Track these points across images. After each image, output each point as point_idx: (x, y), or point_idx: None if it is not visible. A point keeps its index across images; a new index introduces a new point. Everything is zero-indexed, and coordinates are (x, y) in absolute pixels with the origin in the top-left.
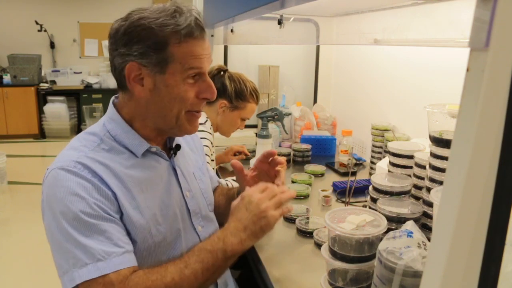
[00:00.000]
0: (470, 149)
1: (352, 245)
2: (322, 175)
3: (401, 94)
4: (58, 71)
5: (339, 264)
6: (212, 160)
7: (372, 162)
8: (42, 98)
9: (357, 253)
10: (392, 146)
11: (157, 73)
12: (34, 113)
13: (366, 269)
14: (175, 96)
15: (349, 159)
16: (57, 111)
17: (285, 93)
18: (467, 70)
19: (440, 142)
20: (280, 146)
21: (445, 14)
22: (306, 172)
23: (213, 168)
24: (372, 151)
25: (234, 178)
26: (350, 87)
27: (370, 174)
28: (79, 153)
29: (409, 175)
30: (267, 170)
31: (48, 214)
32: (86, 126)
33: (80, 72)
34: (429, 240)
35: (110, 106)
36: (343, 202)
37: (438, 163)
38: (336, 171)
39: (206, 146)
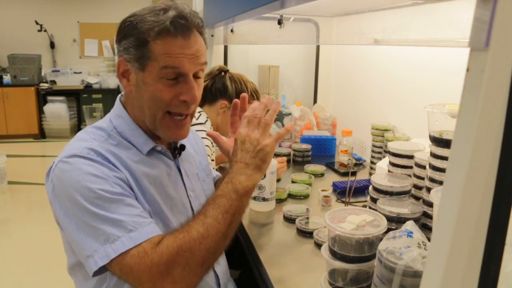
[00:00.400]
0: (470, 149)
1: (352, 245)
2: (322, 175)
3: (401, 94)
4: (58, 71)
5: (339, 264)
6: (212, 160)
7: (372, 162)
8: (42, 98)
9: (357, 253)
10: (392, 146)
11: (138, 69)
12: (34, 113)
13: (366, 269)
14: (151, 95)
15: (349, 159)
16: (57, 111)
17: (285, 93)
18: (467, 70)
19: (440, 142)
20: (280, 146)
21: (445, 14)
22: (306, 172)
23: (213, 168)
24: (372, 151)
25: None
26: (350, 87)
27: (370, 174)
28: (90, 142)
29: (409, 175)
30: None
31: (64, 201)
32: (86, 126)
33: (80, 72)
34: (429, 240)
35: (117, 103)
36: (343, 202)
37: (438, 163)
38: (336, 171)
39: (207, 146)
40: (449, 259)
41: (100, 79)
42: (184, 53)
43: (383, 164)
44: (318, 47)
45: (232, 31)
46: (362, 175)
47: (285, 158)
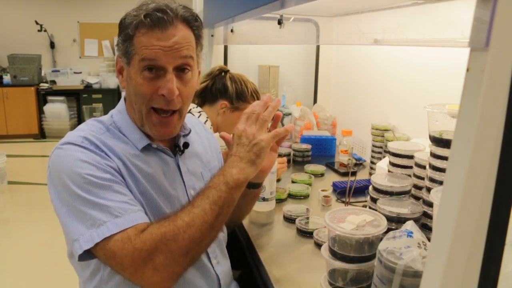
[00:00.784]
0: (470, 149)
1: (352, 245)
2: (322, 175)
3: (401, 94)
4: (58, 71)
5: (339, 264)
6: None
7: (372, 162)
8: (42, 98)
9: (357, 253)
10: (392, 146)
11: (126, 64)
12: (34, 113)
13: (366, 269)
14: (134, 90)
15: (349, 159)
16: (57, 111)
17: (285, 93)
18: (467, 70)
19: (440, 142)
20: (280, 146)
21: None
22: (306, 172)
23: None
24: (372, 151)
25: None
26: (350, 87)
27: (370, 174)
28: (86, 132)
29: (409, 175)
30: None
31: (57, 184)
32: None
33: (80, 72)
34: (429, 240)
35: (121, 99)
36: (343, 202)
37: (438, 163)
38: (336, 171)
39: None
40: (449, 259)
41: (100, 79)
42: (159, 45)
43: (383, 164)
44: (318, 47)
45: (232, 31)
46: (362, 175)
47: (285, 158)
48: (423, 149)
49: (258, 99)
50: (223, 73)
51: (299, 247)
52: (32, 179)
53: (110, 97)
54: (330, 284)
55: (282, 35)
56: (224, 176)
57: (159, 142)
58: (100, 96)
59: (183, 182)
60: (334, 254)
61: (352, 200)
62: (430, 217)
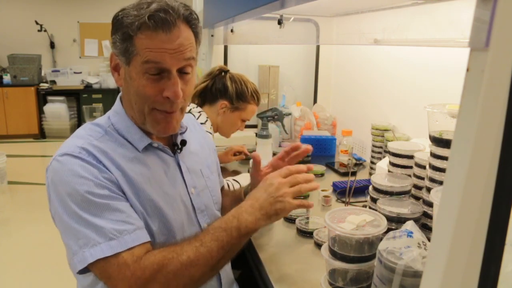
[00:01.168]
0: (470, 149)
1: (352, 245)
2: (322, 175)
3: (401, 94)
4: (58, 71)
5: (339, 264)
6: None
7: (372, 162)
8: (42, 98)
9: (357, 253)
10: (392, 146)
11: (124, 63)
12: (34, 113)
13: (366, 269)
14: (136, 90)
15: (349, 159)
16: (57, 111)
17: (285, 93)
18: (467, 70)
19: (440, 142)
20: (280, 146)
21: (445, 14)
22: (306, 173)
23: None
24: (372, 151)
25: (234, 178)
26: (350, 87)
27: (370, 174)
28: (84, 140)
29: (409, 175)
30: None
31: (55, 199)
32: None
33: (80, 72)
34: (429, 240)
35: (117, 99)
36: (343, 202)
37: (438, 163)
38: (336, 171)
39: None
40: (449, 259)
41: (100, 79)
42: (164, 47)
43: (383, 164)
44: (318, 47)
45: (232, 31)
46: (362, 175)
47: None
48: (423, 149)
49: (258, 99)
50: (223, 73)
51: (299, 247)
52: (32, 179)
53: (110, 97)
54: (330, 284)
55: (282, 35)
56: (238, 221)
57: (158, 140)
58: (100, 96)
59: (184, 181)
60: (334, 254)
61: (352, 200)
62: (430, 217)
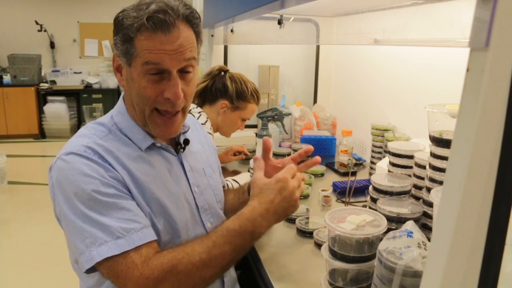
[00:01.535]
0: (470, 149)
1: (352, 245)
2: (322, 175)
3: (401, 94)
4: (58, 71)
5: (339, 264)
6: None
7: (372, 162)
8: (42, 98)
9: (357, 253)
10: (392, 146)
11: (126, 64)
12: (34, 113)
13: (366, 269)
14: (137, 91)
15: (349, 159)
16: (57, 111)
17: (285, 93)
18: (467, 70)
19: (440, 142)
20: (280, 146)
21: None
22: (306, 172)
23: None
24: (372, 151)
25: (234, 178)
26: (350, 87)
27: (370, 174)
28: (88, 139)
29: (409, 175)
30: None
31: (60, 198)
32: None
33: (80, 72)
34: (429, 240)
35: (120, 99)
36: (343, 202)
37: (438, 163)
38: (336, 171)
39: None
40: (449, 259)
41: (100, 79)
42: (164, 48)
43: (383, 164)
44: (318, 47)
45: (232, 31)
46: (362, 175)
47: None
48: (423, 149)
49: (258, 98)
50: (222, 73)
51: (299, 247)
52: (32, 179)
53: (110, 97)
54: (330, 284)
55: (282, 35)
56: (253, 225)
57: (161, 140)
58: (100, 96)
59: (187, 180)
60: (334, 254)
61: (352, 200)
62: (430, 217)
